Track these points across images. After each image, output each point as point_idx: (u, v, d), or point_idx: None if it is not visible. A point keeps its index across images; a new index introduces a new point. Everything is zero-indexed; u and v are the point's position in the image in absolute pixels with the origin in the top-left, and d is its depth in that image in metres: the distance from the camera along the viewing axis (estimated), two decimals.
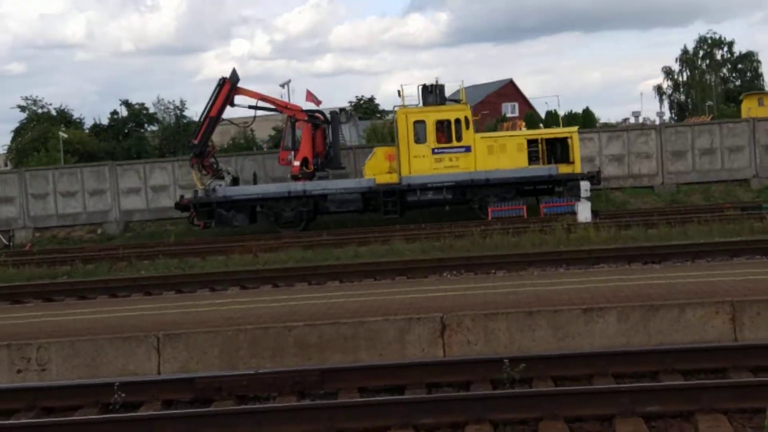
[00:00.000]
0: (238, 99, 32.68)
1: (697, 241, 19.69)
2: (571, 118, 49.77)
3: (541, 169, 31.25)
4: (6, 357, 10.87)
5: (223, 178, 32.40)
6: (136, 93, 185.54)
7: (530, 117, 49.81)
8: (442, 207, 31.46)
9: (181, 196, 33.47)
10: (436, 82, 32.14)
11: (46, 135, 50.63)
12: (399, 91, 32.18)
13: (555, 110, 51.94)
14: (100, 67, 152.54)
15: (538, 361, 9.57)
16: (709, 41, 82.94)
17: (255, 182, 34.24)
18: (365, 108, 51.71)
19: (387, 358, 10.61)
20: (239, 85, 32.48)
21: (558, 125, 38.27)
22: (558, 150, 31.85)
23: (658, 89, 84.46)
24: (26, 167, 41.43)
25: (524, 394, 8.38)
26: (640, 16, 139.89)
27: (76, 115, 59.21)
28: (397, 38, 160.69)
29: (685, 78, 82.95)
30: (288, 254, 22.40)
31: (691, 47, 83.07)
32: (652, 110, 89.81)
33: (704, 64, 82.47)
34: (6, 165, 56.76)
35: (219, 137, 55.55)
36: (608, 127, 45.44)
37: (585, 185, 28.08)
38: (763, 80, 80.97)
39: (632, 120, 38.83)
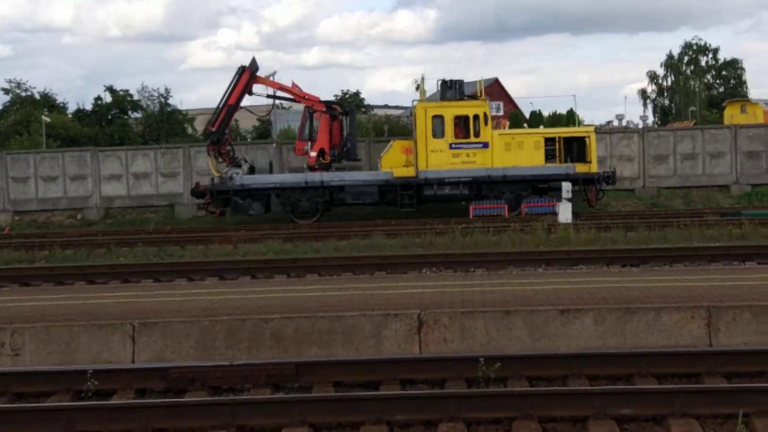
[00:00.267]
0: (257, 88, 32.60)
1: (676, 245, 19.77)
2: (555, 119, 49.86)
3: (559, 168, 31.32)
4: None
5: (240, 166, 32.33)
6: (122, 79, 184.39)
7: (515, 117, 49.82)
8: (459, 202, 31.43)
9: (197, 183, 33.28)
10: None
11: (29, 119, 50.24)
12: (418, 85, 32.31)
13: (539, 111, 52.07)
14: (86, 52, 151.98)
15: (513, 360, 9.58)
16: (695, 47, 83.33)
17: (271, 171, 34.17)
18: (350, 102, 51.70)
19: (363, 353, 10.60)
20: (258, 74, 32.38)
21: (541, 125, 38.31)
22: (575, 149, 31.99)
23: (643, 93, 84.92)
24: (7, 150, 41.09)
25: (498, 394, 8.38)
26: (627, 19, 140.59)
27: (60, 99, 58.85)
28: (384, 34, 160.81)
29: (669, 83, 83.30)
30: (267, 246, 22.33)
31: (676, 53, 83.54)
32: (636, 114, 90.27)
33: (689, 70, 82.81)
34: None
35: (203, 126, 55.42)
36: None
37: (566, 186, 28.14)
38: (746, 88, 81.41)
39: (616, 123, 39.03)
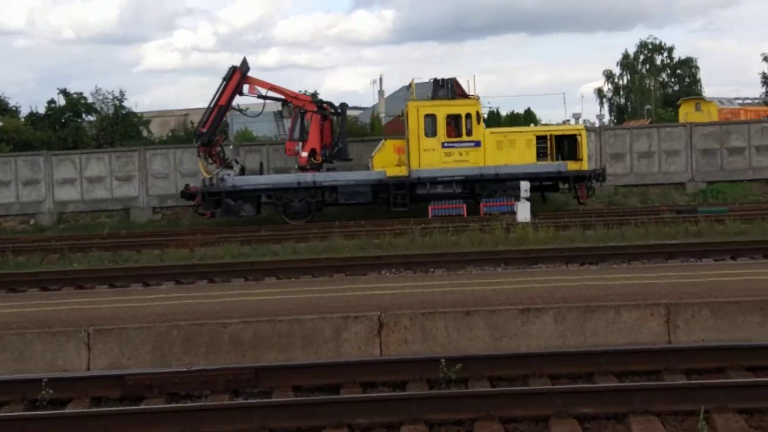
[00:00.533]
0: (248, 88, 32.37)
1: (634, 243, 19.90)
2: (513, 119, 50.12)
3: (551, 166, 31.53)
4: None
5: (231, 167, 32.07)
6: (76, 82, 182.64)
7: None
8: (452, 200, 31.37)
9: (186, 185, 33.02)
10: (380, 78, 32.20)
11: None
12: (411, 84, 32.16)
13: (497, 110, 52.29)
14: (39, 55, 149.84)
15: (474, 360, 9.54)
16: (650, 46, 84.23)
17: (261, 172, 33.95)
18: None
19: (323, 357, 10.50)
20: (249, 74, 32.11)
21: (499, 125, 38.41)
22: (565, 147, 32.16)
23: (599, 92, 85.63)
24: None
25: (460, 395, 8.34)
26: (583, 19, 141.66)
27: (12, 103, 57.82)
28: (342, 34, 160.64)
29: (625, 82, 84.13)
30: (225, 249, 22.13)
31: (632, 52, 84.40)
32: (593, 112, 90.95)
33: (644, 69, 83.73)
34: None
35: (158, 128, 54.82)
36: None
37: (525, 185, 28.23)
38: (701, 86, 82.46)
39: (573, 122, 39.28)
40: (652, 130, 37.85)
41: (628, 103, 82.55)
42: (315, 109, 32.24)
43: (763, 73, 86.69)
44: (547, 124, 43.87)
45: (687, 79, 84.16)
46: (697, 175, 36.16)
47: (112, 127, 50.95)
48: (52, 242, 26.12)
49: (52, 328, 10.86)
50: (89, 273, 18.41)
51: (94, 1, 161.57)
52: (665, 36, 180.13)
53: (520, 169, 31.03)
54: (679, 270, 14.50)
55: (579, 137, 32.08)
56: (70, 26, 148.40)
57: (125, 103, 52.54)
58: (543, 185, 32.39)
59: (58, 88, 59.45)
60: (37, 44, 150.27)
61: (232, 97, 32.06)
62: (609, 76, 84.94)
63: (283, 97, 32.94)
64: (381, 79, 56.06)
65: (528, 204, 27.16)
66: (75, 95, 52.63)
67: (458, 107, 31.32)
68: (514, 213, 27.49)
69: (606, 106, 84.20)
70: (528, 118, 48.23)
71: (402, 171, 31.42)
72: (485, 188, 31.34)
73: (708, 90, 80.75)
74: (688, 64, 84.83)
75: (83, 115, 53.51)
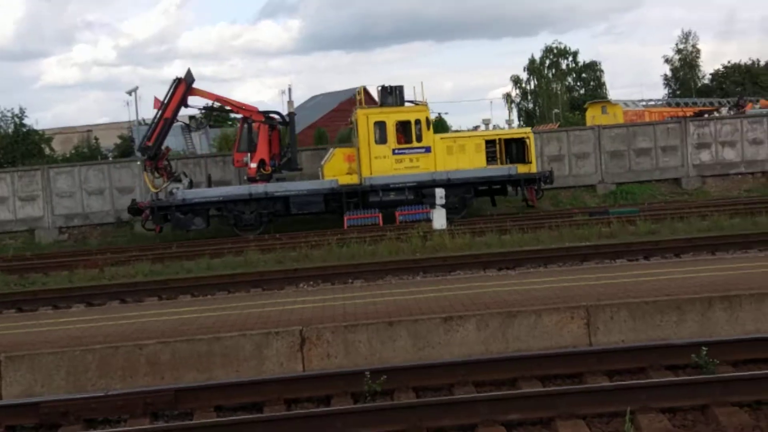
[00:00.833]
0: (193, 100, 31.73)
1: (549, 246, 20.14)
2: None
3: (502, 169, 31.70)
4: None
5: (180, 180, 31.35)
6: None
7: None
8: (404, 206, 31.17)
9: (133, 200, 32.20)
10: (289, 89, 31.96)
11: None
12: (359, 92, 31.97)
13: None
14: None
15: (399, 372, 9.47)
16: (555, 51, 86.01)
17: (209, 185, 33.31)
18: (216, 116, 50.54)
19: (244, 375, 10.28)
20: (194, 85, 31.38)
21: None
22: (514, 150, 32.39)
23: (507, 97, 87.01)
24: None
25: (385, 407, 8.24)
26: (489, 26, 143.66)
27: None
28: (248, 45, 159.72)
29: (532, 86, 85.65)
30: (136, 268, 21.59)
31: (538, 57, 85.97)
32: (502, 118, 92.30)
33: (550, 73, 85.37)
34: None
35: (61, 146, 53.44)
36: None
37: (440, 192, 28.33)
38: (606, 89, 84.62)
39: (483, 127, 39.55)
40: (562, 133, 38.44)
41: (536, 108, 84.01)
42: (263, 120, 31.89)
43: (665, 75, 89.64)
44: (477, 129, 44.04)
45: (592, 83, 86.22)
46: (606, 177, 36.86)
47: (13, 145, 49.50)
48: None
49: None
50: None
51: None
52: (570, 41, 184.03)
53: (471, 174, 31.38)
54: (595, 272, 14.68)
55: (527, 140, 32.49)
56: None
57: (26, 121, 51.16)
58: (492, 189, 32.69)
59: None
60: None
61: (177, 109, 31.47)
62: (516, 81, 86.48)
63: (228, 107, 32.52)
64: (290, 89, 55.59)
65: (443, 211, 27.25)
66: None
67: (407, 114, 31.42)
68: (430, 220, 27.55)
69: (515, 111, 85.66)
70: (439, 125, 48.45)
71: (354, 179, 31.40)
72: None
73: (613, 93, 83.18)
74: (593, 67, 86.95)
75: None
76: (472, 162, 31.61)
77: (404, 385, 9.30)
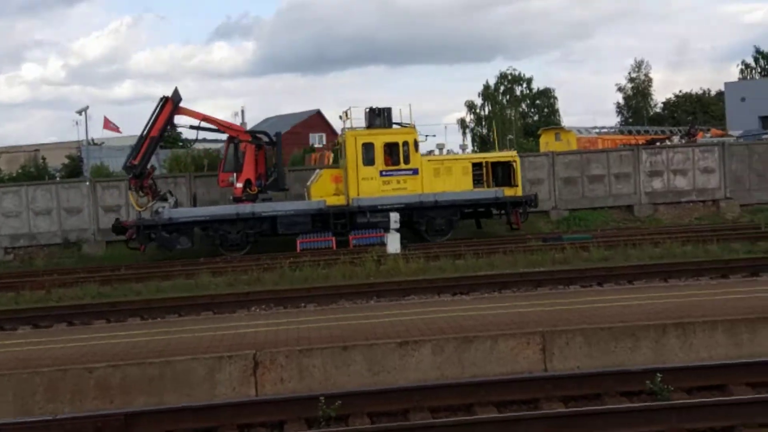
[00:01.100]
0: (180, 119, 31.41)
1: (504, 272, 20.15)
2: None
3: (488, 192, 31.83)
4: None
5: (166, 199, 30.93)
6: None
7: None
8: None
9: (117, 219, 31.89)
10: (242, 110, 31.82)
11: None
12: (345, 113, 31.78)
13: None
14: None
15: (354, 397, 9.37)
16: (510, 77, 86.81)
17: (194, 204, 32.96)
18: (167, 137, 50.07)
19: (196, 399, 10.09)
20: (182, 105, 30.98)
21: None
22: (500, 174, 32.51)
23: (462, 122, 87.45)
24: None
25: None
26: (444, 51, 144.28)
27: None
28: (200, 66, 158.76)
29: (487, 112, 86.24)
30: (84, 290, 21.21)
31: (492, 83, 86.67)
32: (456, 143, 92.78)
33: (505, 99, 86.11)
34: None
35: (6, 165, 52.50)
36: None
37: (394, 216, 28.32)
38: (559, 115, 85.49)
39: (437, 152, 39.70)
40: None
41: (490, 133, 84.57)
42: (249, 139, 31.72)
43: (618, 103, 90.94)
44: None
45: (546, 109, 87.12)
46: (560, 203, 37.10)
47: None
48: None
49: None
50: None
51: None
52: (524, 67, 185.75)
53: (458, 196, 31.46)
54: (550, 297, 14.70)
55: (514, 164, 32.65)
56: None
57: None
58: (478, 212, 32.76)
59: None
60: None
61: (164, 129, 31.18)
62: (471, 106, 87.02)
63: (215, 127, 32.28)
64: (243, 111, 55.36)
65: (398, 235, 27.20)
66: None
67: (395, 135, 31.41)
68: (384, 244, 27.47)
69: (469, 136, 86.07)
70: None
71: (341, 200, 31.33)
72: (424, 215, 31.52)
73: (566, 119, 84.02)
74: (547, 94, 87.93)
75: None
76: (459, 185, 31.72)
77: (359, 410, 9.20)
